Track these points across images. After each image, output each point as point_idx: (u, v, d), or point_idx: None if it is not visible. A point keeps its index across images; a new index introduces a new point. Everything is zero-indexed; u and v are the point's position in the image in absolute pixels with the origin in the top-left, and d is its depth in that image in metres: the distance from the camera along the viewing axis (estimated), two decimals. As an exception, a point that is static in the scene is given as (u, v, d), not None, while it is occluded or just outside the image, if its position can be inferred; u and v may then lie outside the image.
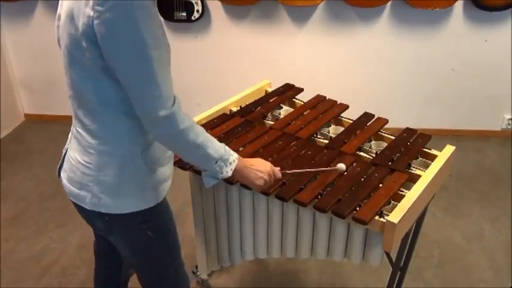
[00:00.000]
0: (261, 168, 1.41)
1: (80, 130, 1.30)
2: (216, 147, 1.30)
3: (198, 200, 1.91)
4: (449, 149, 1.75)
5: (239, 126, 1.89)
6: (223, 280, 2.32)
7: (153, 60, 1.12)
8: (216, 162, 1.30)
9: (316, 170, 1.58)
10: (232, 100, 2.08)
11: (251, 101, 2.10)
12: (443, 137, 3.48)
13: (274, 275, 2.36)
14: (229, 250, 1.94)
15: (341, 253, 1.63)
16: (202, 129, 1.27)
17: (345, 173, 1.61)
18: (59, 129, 3.71)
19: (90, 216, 1.38)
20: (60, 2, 1.26)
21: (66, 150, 1.40)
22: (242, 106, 2.07)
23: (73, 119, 1.36)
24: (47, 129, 3.73)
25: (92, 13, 1.08)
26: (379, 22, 3.23)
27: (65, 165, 1.40)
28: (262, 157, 1.67)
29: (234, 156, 1.34)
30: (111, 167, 1.29)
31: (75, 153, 1.33)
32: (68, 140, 1.41)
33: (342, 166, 1.55)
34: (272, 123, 1.95)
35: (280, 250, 1.78)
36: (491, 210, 2.80)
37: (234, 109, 2.05)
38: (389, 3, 3.14)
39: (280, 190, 1.55)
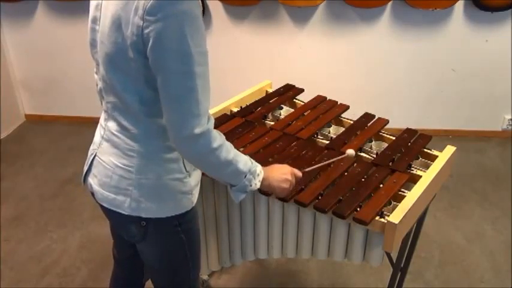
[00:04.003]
0: (283, 170, 1.41)
1: (117, 133, 1.28)
2: (244, 161, 1.29)
3: (198, 201, 1.89)
4: (449, 150, 1.74)
5: (239, 126, 1.89)
6: (224, 281, 2.32)
7: (196, 77, 1.11)
8: (245, 176, 1.29)
9: (330, 161, 1.57)
10: (232, 100, 2.08)
11: (251, 102, 2.10)
12: (444, 138, 3.49)
13: (274, 275, 2.36)
14: (229, 250, 1.94)
15: (341, 253, 1.63)
16: (230, 144, 1.26)
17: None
18: (59, 130, 3.72)
19: (125, 221, 1.34)
20: (94, 4, 1.23)
21: (94, 154, 1.36)
22: (242, 106, 2.07)
23: (104, 122, 1.33)
24: (48, 130, 3.73)
25: (141, 23, 1.07)
26: (379, 22, 3.23)
27: (94, 170, 1.36)
28: (262, 158, 1.68)
29: (259, 166, 1.34)
30: (153, 170, 1.27)
31: (110, 157, 1.30)
32: (96, 144, 1.36)
33: (351, 152, 1.54)
34: (272, 123, 1.94)
35: (280, 250, 1.78)
36: (492, 210, 2.80)
37: (235, 109, 2.05)
38: (389, 3, 3.14)
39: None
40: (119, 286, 1.73)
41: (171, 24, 1.06)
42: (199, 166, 1.29)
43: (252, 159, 1.33)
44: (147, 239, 1.37)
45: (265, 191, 1.43)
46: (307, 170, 1.51)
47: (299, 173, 1.45)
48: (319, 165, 1.55)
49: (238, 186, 1.31)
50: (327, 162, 1.57)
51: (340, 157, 1.57)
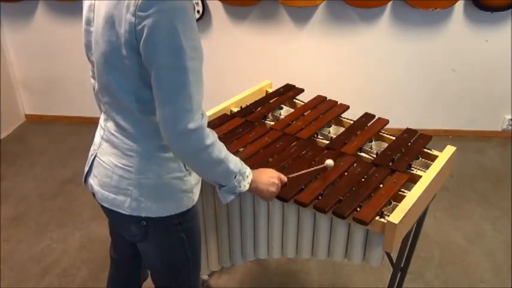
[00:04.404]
0: (270, 174, 1.43)
1: (116, 133, 1.28)
2: (235, 161, 1.29)
3: (199, 200, 1.90)
4: (449, 150, 1.74)
5: (239, 126, 1.89)
6: (224, 281, 2.32)
7: (188, 72, 1.11)
8: (235, 176, 1.29)
9: (311, 169, 1.58)
10: (232, 100, 2.08)
11: (252, 102, 2.10)
12: (444, 138, 3.49)
13: (275, 275, 2.36)
14: (229, 250, 1.94)
15: (342, 253, 1.63)
16: (222, 144, 1.26)
17: (347, 172, 1.61)
18: (59, 130, 3.72)
19: (125, 221, 1.34)
20: (87, 5, 1.22)
21: (94, 155, 1.36)
22: (243, 106, 2.07)
23: (103, 123, 1.33)
24: (48, 130, 3.73)
25: (133, 19, 1.07)
26: (379, 22, 3.23)
27: (94, 171, 1.36)
28: (262, 158, 1.69)
29: (248, 169, 1.35)
30: (153, 169, 1.27)
31: (110, 157, 1.30)
32: (96, 144, 1.36)
33: (330, 162, 1.56)
34: (272, 123, 1.94)
35: (280, 250, 1.78)
36: (492, 210, 2.80)
37: (235, 109, 2.05)
38: (389, 3, 3.14)
39: (280, 190, 1.55)
40: (116, 284, 1.72)
41: (163, 19, 1.06)
42: (191, 164, 1.28)
43: (241, 161, 1.33)
44: (148, 238, 1.37)
45: (253, 193, 1.43)
46: (291, 176, 1.52)
47: (284, 178, 1.47)
48: (301, 172, 1.56)
49: (228, 186, 1.31)
50: (308, 170, 1.57)
51: (319, 167, 1.58)
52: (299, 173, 1.55)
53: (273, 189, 1.42)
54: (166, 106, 1.14)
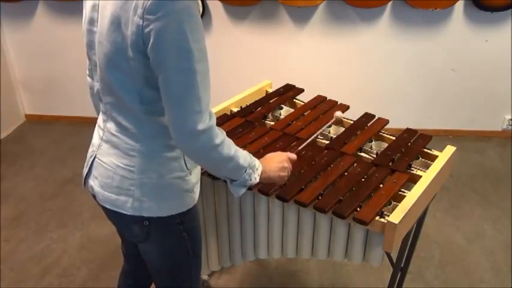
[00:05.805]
0: (279, 158, 1.42)
1: (117, 134, 1.28)
2: (244, 156, 1.30)
3: (199, 200, 1.90)
4: (449, 150, 1.74)
5: (239, 126, 1.89)
6: (224, 281, 2.32)
7: (197, 73, 1.11)
8: (246, 170, 1.30)
9: (320, 130, 1.59)
10: (232, 100, 2.08)
11: (252, 102, 2.10)
12: (444, 138, 3.49)
13: (275, 275, 2.36)
14: (229, 250, 1.94)
15: (342, 253, 1.63)
16: (230, 140, 1.27)
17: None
18: (59, 130, 3.72)
19: (127, 222, 1.34)
20: (90, 4, 1.21)
21: (94, 156, 1.35)
22: (243, 106, 2.07)
23: (103, 123, 1.33)
24: (48, 130, 3.73)
25: (141, 22, 1.07)
26: (379, 22, 3.24)
27: (94, 172, 1.35)
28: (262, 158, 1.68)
29: (257, 161, 1.35)
30: (155, 169, 1.27)
31: (111, 158, 1.30)
32: (95, 145, 1.36)
33: (339, 114, 1.58)
34: (272, 123, 1.94)
35: (280, 250, 1.78)
36: (492, 210, 2.80)
37: (235, 109, 2.05)
38: (389, 3, 3.14)
39: (280, 190, 1.56)
40: (128, 280, 1.74)
41: (171, 22, 1.06)
42: (202, 162, 1.29)
43: (250, 154, 1.34)
44: (150, 238, 1.37)
45: (265, 183, 1.43)
46: (300, 148, 1.51)
47: (294, 156, 1.46)
48: (310, 139, 1.55)
49: (239, 181, 1.31)
50: (317, 133, 1.57)
51: (330, 122, 1.58)
52: (308, 140, 1.54)
53: (284, 173, 1.41)
54: (175, 108, 1.14)
